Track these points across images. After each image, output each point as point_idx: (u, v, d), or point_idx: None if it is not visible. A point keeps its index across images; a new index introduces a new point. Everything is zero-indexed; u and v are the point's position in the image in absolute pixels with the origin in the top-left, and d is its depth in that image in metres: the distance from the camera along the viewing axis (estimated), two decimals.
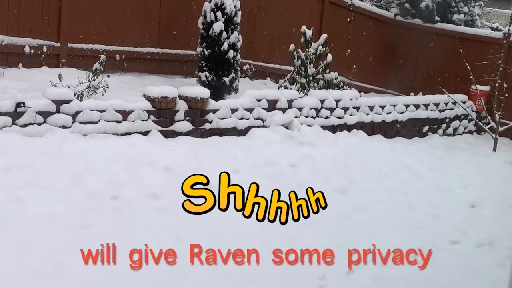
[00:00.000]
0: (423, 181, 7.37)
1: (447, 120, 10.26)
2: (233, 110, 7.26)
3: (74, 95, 6.29)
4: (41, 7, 8.29)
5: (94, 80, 7.30)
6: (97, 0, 8.77)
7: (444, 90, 9.83)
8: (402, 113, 9.45)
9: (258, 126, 7.45)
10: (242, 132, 7.30)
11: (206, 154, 6.44)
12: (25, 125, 5.76)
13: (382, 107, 9.16)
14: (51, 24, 8.42)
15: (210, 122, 7.03)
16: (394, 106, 9.35)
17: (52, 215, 4.73)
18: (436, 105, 10.01)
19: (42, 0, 8.29)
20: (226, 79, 8.25)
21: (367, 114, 8.91)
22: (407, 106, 9.56)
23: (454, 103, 10.15)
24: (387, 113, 9.22)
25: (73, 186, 5.19)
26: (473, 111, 10.58)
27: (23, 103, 5.74)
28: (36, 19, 8.27)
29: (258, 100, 7.52)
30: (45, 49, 8.34)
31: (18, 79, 7.53)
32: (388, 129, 9.24)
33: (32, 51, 8.21)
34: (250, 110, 7.41)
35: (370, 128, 8.95)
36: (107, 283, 4.17)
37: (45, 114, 5.91)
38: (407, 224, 6.04)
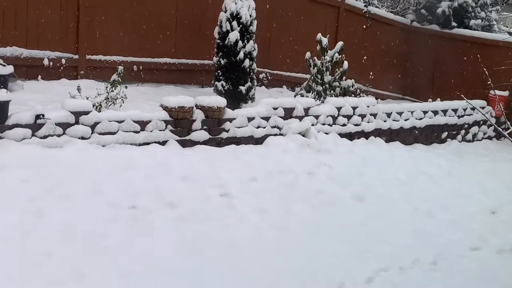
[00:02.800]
0: (441, 187, 7.31)
1: (466, 126, 10.19)
2: (250, 119, 7.29)
3: (93, 106, 6.35)
4: (59, 20, 8.40)
5: (112, 91, 7.38)
6: (114, 12, 8.86)
7: (462, 95, 9.74)
8: (420, 119, 9.40)
9: (275, 135, 7.46)
10: (259, 141, 7.32)
11: (223, 162, 6.46)
12: (45, 137, 5.83)
13: (400, 113, 9.13)
14: (70, 36, 8.53)
15: (227, 131, 7.06)
16: (412, 112, 9.31)
17: (71, 225, 4.78)
18: (455, 111, 9.95)
19: (60, 13, 8.40)
20: (242, 88, 8.28)
21: (385, 121, 8.88)
22: (425, 112, 9.51)
23: (473, 108, 10.08)
24: (405, 120, 9.18)
25: (91, 196, 5.24)
26: (492, 117, 10.50)
27: (43, 115, 5.82)
28: (54, 32, 8.38)
29: (275, 109, 7.54)
30: (63, 61, 8.45)
31: (37, 91, 7.63)
32: (406, 136, 9.20)
33: (51, 63, 8.32)
34: (267, 119, 7.43)
35: (388, 135, 8.91)
36: None
37: (64, 126, 5.98)
38: (426, 231, 5.99)
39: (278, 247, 5.12)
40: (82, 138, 6.04)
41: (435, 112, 9.65)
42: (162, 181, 5.77)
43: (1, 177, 5.12)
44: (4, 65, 7.45)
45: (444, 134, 9.82)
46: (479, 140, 10.42)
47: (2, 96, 5.59)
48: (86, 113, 6.11)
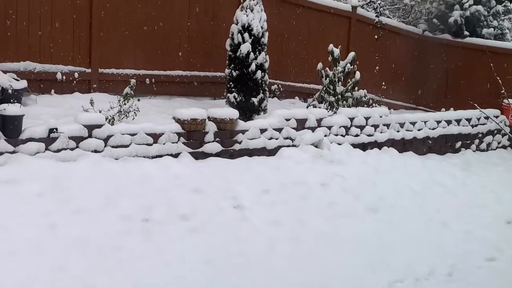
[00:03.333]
0: (456, 197, 7.26)
1: (480, 135, 10.12)
2: (262, 130, 7.28)
3: (106, 119, 6.38)
4: (72, 34, 8.46)
5: (125, 104, 7.40)
6: (126, 25, 8.92)
7: (475, 105, 9.70)
8: (433, 129, 9.35)
9: (288, 146, 7.45)
10: (272, 152, 7.31)
11: (235, 174, 6.46)
12: (58, 150, 5.86)
13: (413, 123, 9.08)
14: (82, 50, 8.58)
15: (240, 143, 7.06)
16: (425, 122, 9.27)
17: (84, 238, 4.79)
18: (468, 120, 9.89)
19: (73, 28, 8.47)
20: (255, 100, 8.29)
21: (398, 131, 8.84)
22: (438, 122, 9.46)
23: (487, 118, 10.00)
24: (418, 130, 9.13)
25: (105, 209, 5.25)
26: (506, 126, 10.41)
27: (56, 129, 5.85)
28: (67, 46, 8.44)
29: (287, 120, 7.53)
30: (76, 75, 8.50)
31: (51, 105, 7.67)
32: (420, 146, 9.15)
33: (64, 77, 8.38)
34: (279, 130, 7.43)
35: (401, 145, 8.87)
36: None
37: (78, 139, 6.01)
38: (440, 242, 5.95)
39: (291, 259, 5.10)
40: (95, 151, 6.06)
41: (449, 122, 9.59)
42: (175, 193, 5.77)
43: (15, 191, 5.15)
44: (17, 80, 7.51)
45: (458, 144, 9.76)
46: (493, 150, 10.34)
47: (16, 111, 5.63)
48: (99, 126, 6.13)
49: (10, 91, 6.66)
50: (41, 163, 5.60)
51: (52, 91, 8.27)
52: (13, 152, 5.61)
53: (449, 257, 5.59)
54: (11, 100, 5.99)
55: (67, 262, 4.44)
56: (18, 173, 5.35)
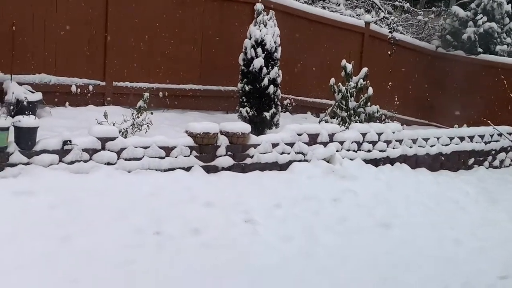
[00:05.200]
0: (469, 214, 7.21)
1: (493, 152, 10.06)
2: (274, 145, 7.29)
3: (119, 132, 6.42)
4: (87, 48, 8.56)
5: (138, 117, 7.46)
6: (140, 39, 9.00)
7: (489, 121, 9.67)
8: (446, 145, 9.31)
9: (299, 161, 7.45)
10: (283, 167, 7.31)
11: (247, 189, 6.46)
12: (72, 162, 5.90)
13: (426, 139, 9.05)
14: (97, 64, 8.67)
15: (251, 157, 7.07)
16: (437, 138, 9.23)
17: (97, 250, 4.80)
18: (481, 137, 9.84)
19: (87, 41, 8.56)
20: (267, 114, 8.31)
21: (410, 147, 8.82)
22: (451, 138, 9.42)
23: (500, 134, 9.96)
24: (431, 146, 9.10)
25: (117, 221, 5.27)
26: None
27: (70, 141, 5.89)
28: (82, 60, 8.53)
29: (299, 135, 7.54)
30: (91, 88, 8.58)
31: (65, 117, 7.74)
32: (432, 162, 9.11)
33: (78, 90, 8.46)
34: (291, 145, 7.43)
35: (414, 161, 8.83)
36: None
37: (91, 151, 6.05)
38: (453, 259, 5.89)
39: (303, 275, 5.07)
40: (108, 163, 6.10)
41: (462, 138, 9.55)
42: (186, 207, 5.78)
43: (28, 202, 5.19)
44: (33, 92, 7.60)
45: (471, 161, 9.71)
46: (507, 167, 10.27)
47: (30, 122, 5.69)
48: (112, 139, 6.17)
49: (25, 103, 6.73)
50: (55, 174, 5.64)
51: (67, 103, 8.35)
52: (27, 163, 5.65)
53: (462, 275, 5.53)
54: (26, 112, 6.05)
55: (80, 275, 4.44)
56: (31, 184, 5.39)
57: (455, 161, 9.47)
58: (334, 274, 5.17)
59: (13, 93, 7.08)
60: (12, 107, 6.48)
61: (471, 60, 12.60)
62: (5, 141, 5.50)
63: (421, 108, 12.97)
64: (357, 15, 13.74)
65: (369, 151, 8.25)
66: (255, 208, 6.07)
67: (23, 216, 5.00)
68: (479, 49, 12.71)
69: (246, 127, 7.05)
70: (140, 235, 5.17)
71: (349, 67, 8.96)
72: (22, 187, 5.33)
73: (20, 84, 7.66)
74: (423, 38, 14.21)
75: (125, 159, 6.22)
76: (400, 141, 8.67)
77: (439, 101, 12.83)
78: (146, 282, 4.54)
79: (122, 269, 4.65)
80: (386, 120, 9.48)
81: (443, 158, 9.25)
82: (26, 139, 5.67)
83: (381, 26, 12.86)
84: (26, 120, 5.67)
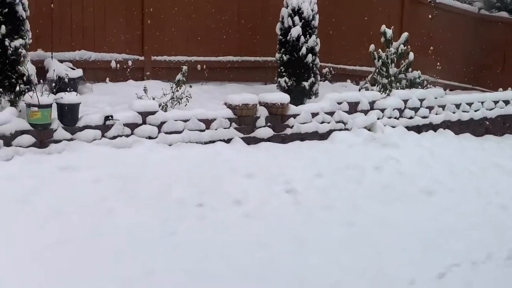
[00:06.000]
0: None
1: None
2: (314, 114, 7.24)
3: (159, 106, 6.47)
4: (125, 23, 8.60)
5: (177, 90, 7.49)
6: (178, 13, 8.99)
7: None
8: (491, 109, 9.10)
9: (340, 130, 7.39)
10: (324, 136, 7.26)
11: (287, 159, 6.45)
12: (114, 137, 5.99)
13: (469, 104, 8.86)
14: (135, 38, 8.72)
15: (291, 127, 7.04)
16: (482, 103, 9.03)
17: (140, 223, 4.88)
18: None
19: (125, 16, 8.60)
20: (306, 84, 8.23)
21: (454, 113, 8.64)
22: (495, 102, 9.19)
23: None
24: (475, 111, 8.91)
25: (159, 194, 5.34)
26: None
27: (111, 116, 5.97)
28: (120, 35, 8.59)
29: (339, 103, 7.46)
30: (130, 63, 8.64)
31: (106, 93, 7.83)
32: (477, 127, 8.92)
33: (118, 65, 8.53)
34: (331, 114, 7.37)
35: (457, 127, 8.66)
36: None
37: (132, 126, 6.12)
38: (499, 225, 5.78)
39: (345, 243, 5.06)
40: (149, 137, 6.16)
41: (506, 102, 9.31)
42: (228, 178, 5.81)
43: (73, 177, 5.30)
44: (73, 69, 7.70)
45: None
46: None
47: (72, 99, 5.78)
48: (153, 113, 6.23)
49: (66, 80, 6.83)
50: (98, 150, 5.74)
51: (107, 79, 8.44)
52: (71, 139, 5.77)
53: (508, 241, 5.43)
54: (68, 89, 6.14)
55: (124, 247, 4.53)
56: (76, 159, 5.50)
57: (500, 126, 9.24)
58: (377, 242, 5.15)
59: (54, 70, 7.19)
60: (53, 84, 6.58)
61: None
62: (48, 118, 5.61)
63: (464, 72, 12.65)
64: None
65: (411, 117, 8.12)
66: (295, 178, 6.07)
67: (69, 191, 5.11)
68: None
69: (285, 97, 7.01)
70: (182, 208, 5.23)
71: (389, 32, 8.78)
72: (66, 163, 5.45)
73: (61, 61, 7.77)
74: (465, 0, 13.79)
75: (166, 133, 6.27)
76: (443, 107, 8.51)
77: (483, 65, 12.48)
78: (189, 253, 4.60)
79: (166, 241, 4.72)
80: (428, 85, 9.29)
81: (487, 123, 9.05)
82: (69, 115, 5.77)
83: None
84: (68, 97, 5.77)
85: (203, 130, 6.49)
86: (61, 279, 4.06)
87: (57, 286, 4.01)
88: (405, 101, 8.09)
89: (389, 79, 8.72)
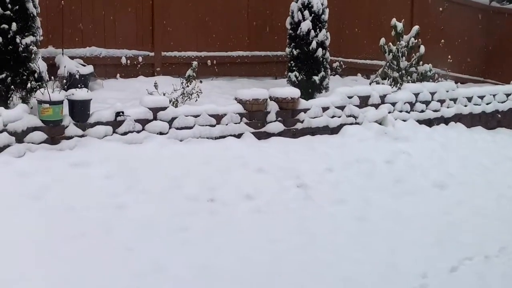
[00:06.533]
0: None
1: None
2: (324, 109, 7.22)
3: (170, 102, 6.48)
4: (135, 19, 8.62)
5: (188, 86, 7.50)
6: (187, 8, 9.00)
7: None
8: (503, 102, 9.04)
9: (351, 124, 7.37)
10: (334, 130, 7.24)
11: (298, 153, 6.44)
12: (125, 133, 6.01)
13: (481, 97, 8.80)
14: (145, 34, 8.74)
15: (302, 122, 7.03)
16: (494, 95, 8.96)
17: (151, 218, 4.90)
18: None
19: (135, 13, 8.62)
20: (316, 78, 8.21)
21: (465, 106, 8.59)
22: (507, 95, 9.12)
23: None
24: (487, 104, 8.85)
25: (171, 190, 5.35)
26: None
27: (122, 112, 5.99)
28: (130, 31, 8.61)
29: (349, 97, 7.43)
30: (140, 59, 8.66)
31: (116, 89, 7.86)
32: (489, 120, 8.86)
33: (128, 61, 8.55)
34: (342, 108, 7.34)
35: (469, 120, 8.61)
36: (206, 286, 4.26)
37: (143, 122, 6.14)
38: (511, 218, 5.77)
39: (357, 237, 5.06)
40: (160, 133, 6.18)
41: None
42: (238, 173, 5.82)
43: (85, 173, 5.33)
44: (84, 65, 7.73)
45: None
46: None
47: (83, 95, 5.79)
48: (163, 109, 6.24)
49: (77, 76, 6.85)
50: (109, 146, 5.76)
51: (118, 75, 8.47)
52: (82, 135, 5.79)
53: None
54: (79, 85, 6.17)
55: (135, 242, 4.55)
56: (87, 155, 5.52)
57: None
58: (388, 236, 5.14)
59: (65, 67, 7.22)
60: (64, 81, 6.61)
61: None
62: (59, 114, 5.63)
63: (476, 65, 12.57)
64: None
65: (422, 111, 8.08)
66: (306, 173, 6.06)
67: (80, 187, 5.14)
68: None
69: (295, 92, 7.00)
70: (194, 203, 5.24)
71: (400, 25, 8.73)
72: (78, 159, 5.47)
73: (72, 58, 7.80)
74: None
75: (177, 128, 6.28)
76: (454, 100, 8.46)
77: (494, 58, 12.40)
78: (200, 248, 4.61)
79: (178, 236, 4.74)
80: (439, 79, 9.24)
81: (499, 116, 8.98)
82: (80, 111, 5.79)
83: None
84: (79, 93, 5.78)
85: (214, 126, 6.49)
86: (74, 273, 4.09)
87: (70, 279, 4.03)
88: (416, 95, 8.05)
89: (400, 72, 8.68)
